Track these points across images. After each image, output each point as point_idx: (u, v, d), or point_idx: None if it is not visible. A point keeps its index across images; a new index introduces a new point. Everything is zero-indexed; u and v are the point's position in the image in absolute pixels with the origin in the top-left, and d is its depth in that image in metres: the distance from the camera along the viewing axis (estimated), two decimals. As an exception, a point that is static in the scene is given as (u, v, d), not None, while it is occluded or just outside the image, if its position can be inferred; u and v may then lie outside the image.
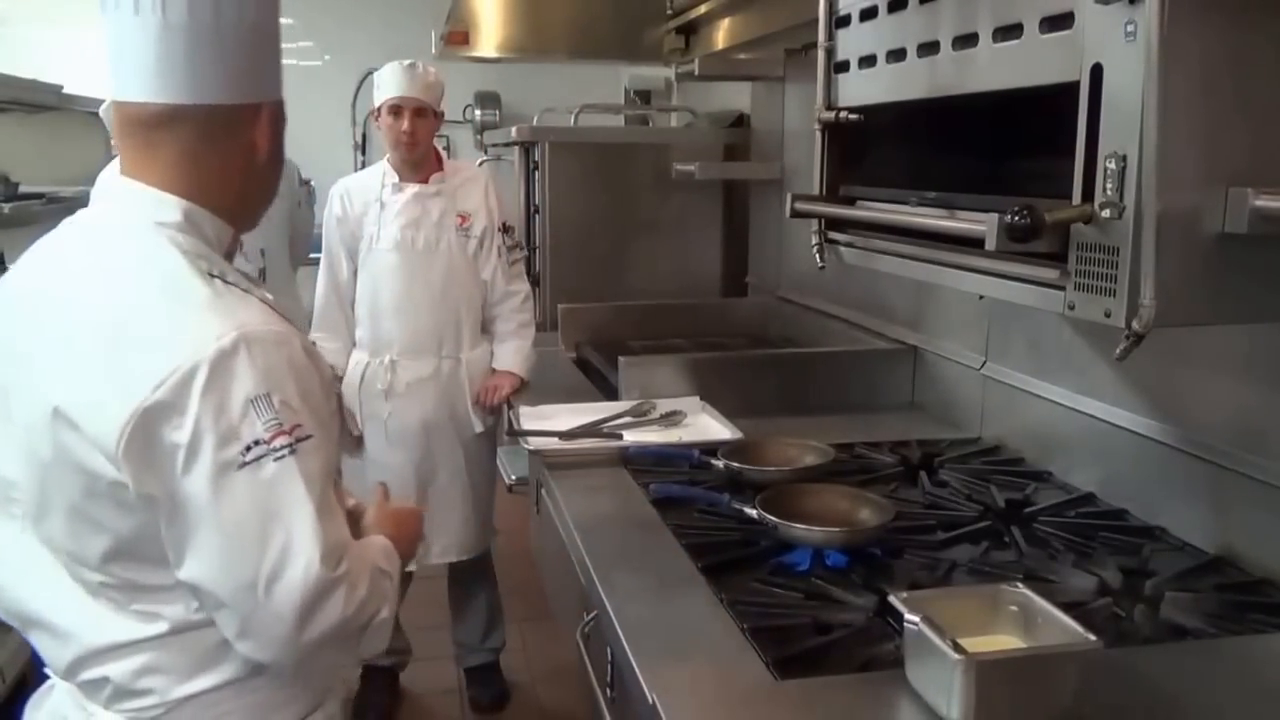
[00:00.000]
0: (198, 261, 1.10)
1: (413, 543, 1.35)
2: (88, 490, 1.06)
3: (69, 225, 1.19)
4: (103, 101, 4.21)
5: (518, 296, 2.85)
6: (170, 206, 1.12)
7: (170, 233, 1.11)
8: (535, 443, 2.12)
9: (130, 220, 1.12)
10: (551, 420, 2.26)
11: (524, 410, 2.36)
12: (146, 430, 1.01)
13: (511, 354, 2.79)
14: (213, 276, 1.09)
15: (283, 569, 1.04)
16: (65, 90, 3.63)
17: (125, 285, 1.08)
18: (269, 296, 1.17)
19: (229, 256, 1.20)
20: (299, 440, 1.05)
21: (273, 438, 1.03)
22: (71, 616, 1.14)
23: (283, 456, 1.04)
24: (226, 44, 1.12)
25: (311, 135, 4.94)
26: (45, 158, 3.82)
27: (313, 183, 4.14)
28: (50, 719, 1.21)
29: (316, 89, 5.44)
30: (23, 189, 3.39)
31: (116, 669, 1.13)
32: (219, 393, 1.02)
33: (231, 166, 1.16)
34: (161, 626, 1.12)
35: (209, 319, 1.04)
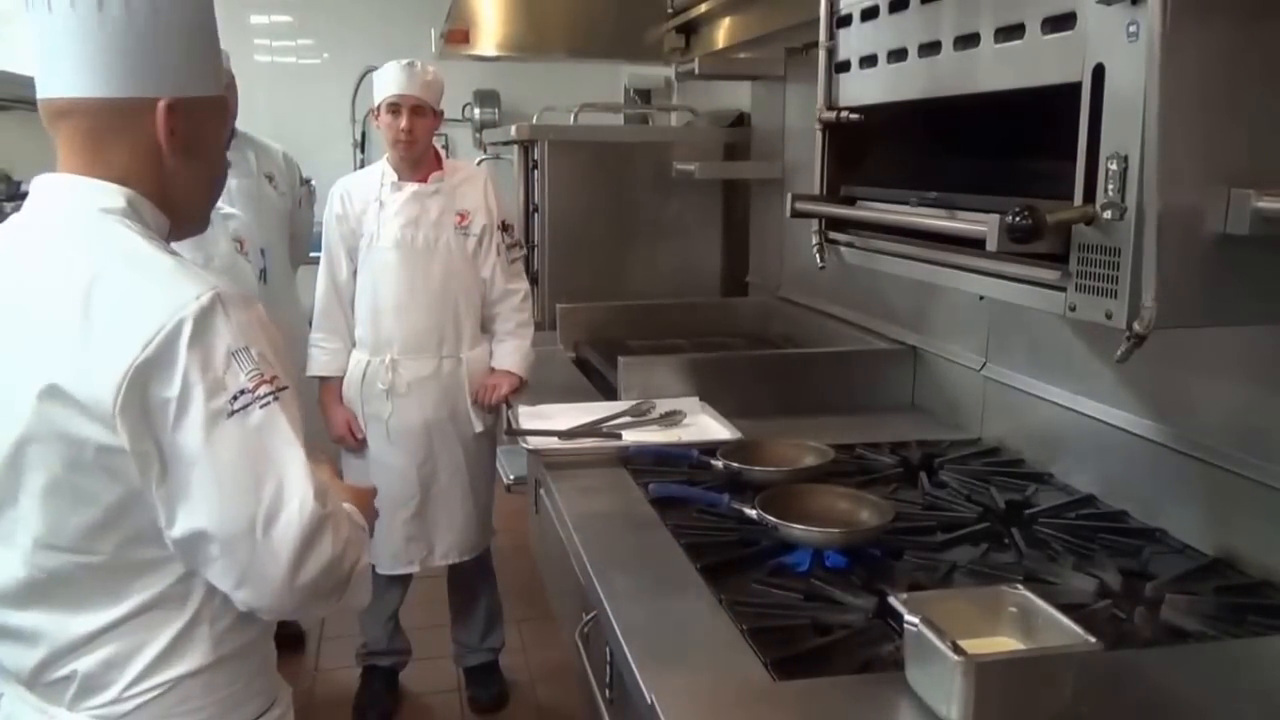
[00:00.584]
0: (152, 238, 1.14)
1: (368, 518, 1.34)
2: (73, 462, 1.07)
3: (8, 225, 1.20)
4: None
5: (517, 295, 2.85)
6: (113, 194, 1.15)
7: (117, 217, 1.13)
8: (534, 442, 2.12)
9: (75, 208, 1.15)
10: (550, 420, 2.26)
11: (523, 410, 2.36)
12: (139, 387, 1.04)
13: (510, 353, 2.79)
14: (171, 253, 1.13)
15: (279, 508, 1.08)
16: (65, 88, 3.62)
17: (87, 262, 1.09)
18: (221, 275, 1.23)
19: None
20: (279, 389, 1.10)
21: (256, 386, 1.08)
22: (37, 615, 1.14)
23: (268, 403, 1.09)
24: (112, 38, 1.12)
25: (311, 134, 4.96)
26: (45, 157, 3.81)
27: (313, 182, 4.13)
28: None
29: (316, 88, 5.44)
30: (24, 188, 3.39)
31: (84, 663, 1.14)
32: (203, 347, 1.06)
33: (141, 159, 1.16)
34: (126, 606, 1.13)
35: (182, 281, 1.08)
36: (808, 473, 1.90)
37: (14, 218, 1.21)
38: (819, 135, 1.71)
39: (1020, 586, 1.27)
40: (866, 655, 1.30)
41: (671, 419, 2.27)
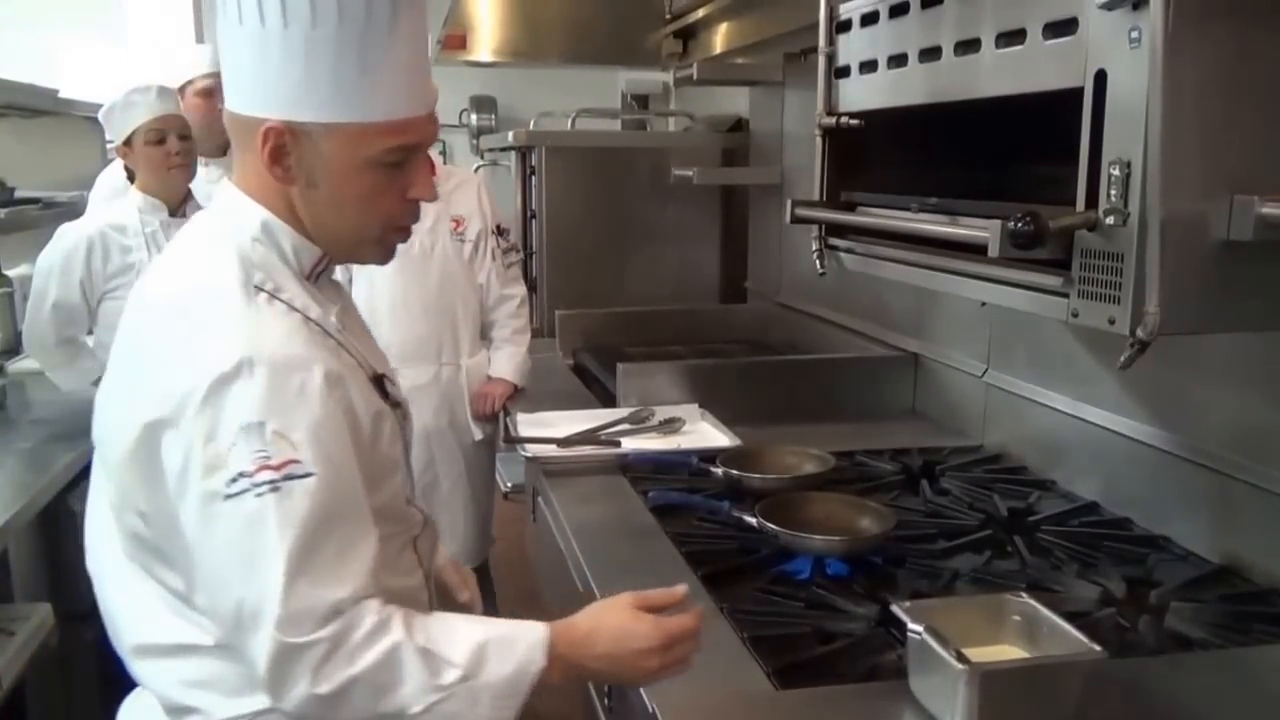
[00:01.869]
0: (253, 273, 1.06)
1: (621, 663, 1.10)
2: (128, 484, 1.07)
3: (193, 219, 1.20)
4: (100, 106, 4.21)
5: (514, 301, 2.84)
6: (252, 215, 1.10)
7: (241, 239, 1.09)
8: (533, 450, 2.11)
9: (213, 224, 1.13)
10: (549, 427, 2.25)
11: (521, 417, 2.35)
12: (149, 447, 1.00)
13: (505, 360, 2.78)
14: (259, 290, 1.05)
15: (252, 625, 0.97)
16: (61, 94, 3.61)
17: (170, 295, 1.08)
18: (331, 320, 1.12)
19: (315, 278, 1.15)
20: (287, 478, 0.97)
21: (256, 470, 0.96)
22: (125, 604, 1.12)
23: (263, 494, 0.96)
24: (236, 47, 1.07)
25: (309, 140, 4.95)
26: (41, 162, 3.81)
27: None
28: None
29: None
30: (18, 194, 3.37)
31: (164, 674, 1.10)
32: (211, 417, 0.97)
33: (263, 179, 1.09)
34: (199, 636, 1.08)
35: (220, 339, 1.00)
36: (808, 480, 1.89)
37: (197, 214, 1.21)
38: (819, 141, 1.70)
39: (1024, 594, 1.27)
40: (869, 664, 1.29)
41: (671, 426, 2.26)
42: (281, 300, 1.06)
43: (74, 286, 2.60)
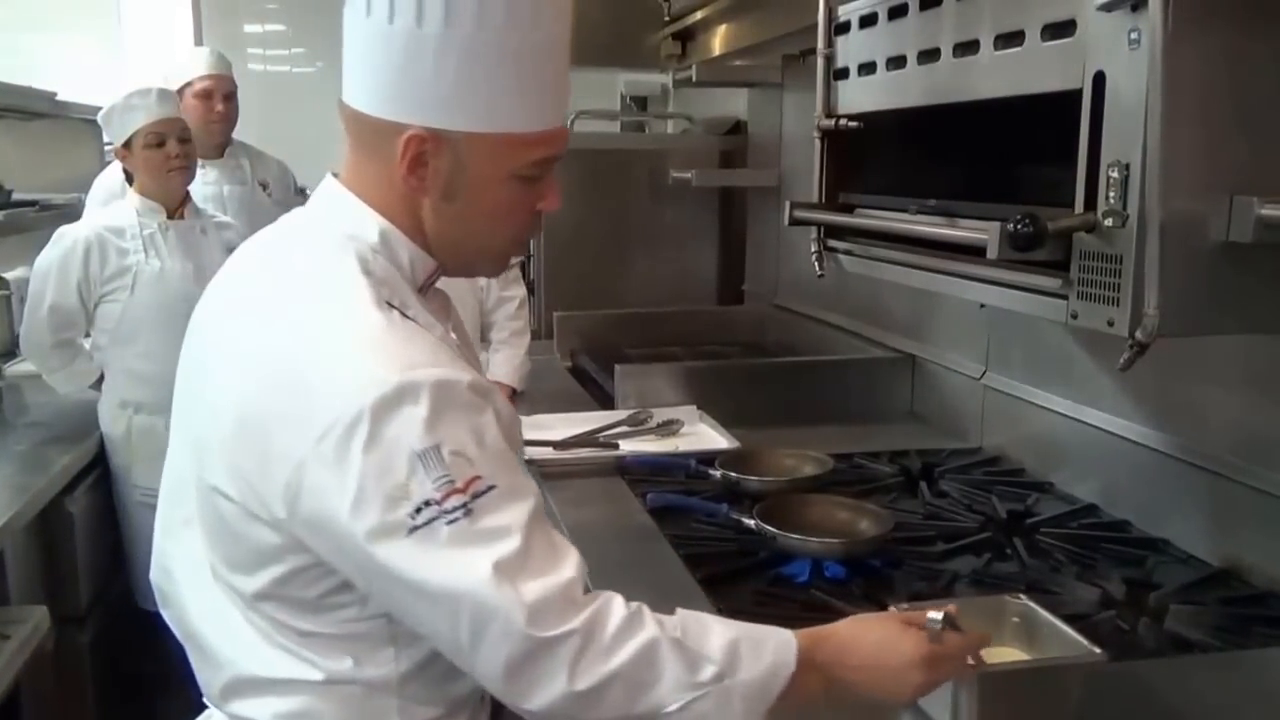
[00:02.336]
0: (379, 288, 1.00)
1: (882, 675, 1.05)
2: (247, 522, 0.99)
3: (282, 221, 1.13)
4: (98, 109, 4.21)
5: (513, 302, 2.83)
6: (368, 223, 1.04)
7: (361, 250, 1.02)
8: (530, 452, 2.10)
9: (327, 225, 1.06)
10: (547, 429, 2.24)
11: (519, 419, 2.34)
12: (309, 487, 0.92)
13: (502, 363, 2.77)
14: (391, 307, 0.99)
15: (481, 634, 0.92)
16: (59, 97, 3.60)
17: (298, 312, 0.99)
18: (452, 336, 1.10)
19: (425, 289, 1.10)
20: (474, 496, 0.92)
21: (444, 498, 0.91)
22: (226, 639, 1.06)
23: (456, 519, 0.91)
24: (374, 48, 1.01)
25: (304, 142, 4.93)
26: (38, 165, 3.80)
27: (308, 190, 4.12)
28: None
29: (309, 96, 5.42)
30: (16, 196, 3.37)
31: (263, 708, 1.04)
32: (383, 447, 0.91)
33: (390, 188, 1.04)
34: (301, 671, 1.02)
35: (375, 360, 0.94)
36: (806, 482, 1.89)
37: (293, 213, 1.14)
38: (817, 142, 1.70)
39: (1023, 596, 1.26)
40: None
41: (669, 428, 2.26)
42: (409, 317, 1.01)
43: (71, 290, 2.59)
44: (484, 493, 0.93)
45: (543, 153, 1.05)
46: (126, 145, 2.65)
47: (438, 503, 0.91)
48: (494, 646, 0.91)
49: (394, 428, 0.91)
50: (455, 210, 1.05)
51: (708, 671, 0.97)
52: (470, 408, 0.96)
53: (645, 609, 0.99)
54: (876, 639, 1.06)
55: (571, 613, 0.93)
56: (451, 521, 0.91)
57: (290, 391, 0.95)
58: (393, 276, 1.04)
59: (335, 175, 1.10)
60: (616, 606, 0.97)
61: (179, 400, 1.13)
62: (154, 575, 1.17)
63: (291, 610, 1.02)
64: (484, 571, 0.90)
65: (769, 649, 1.01)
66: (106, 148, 4.11)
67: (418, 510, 0.90)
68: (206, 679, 1.11)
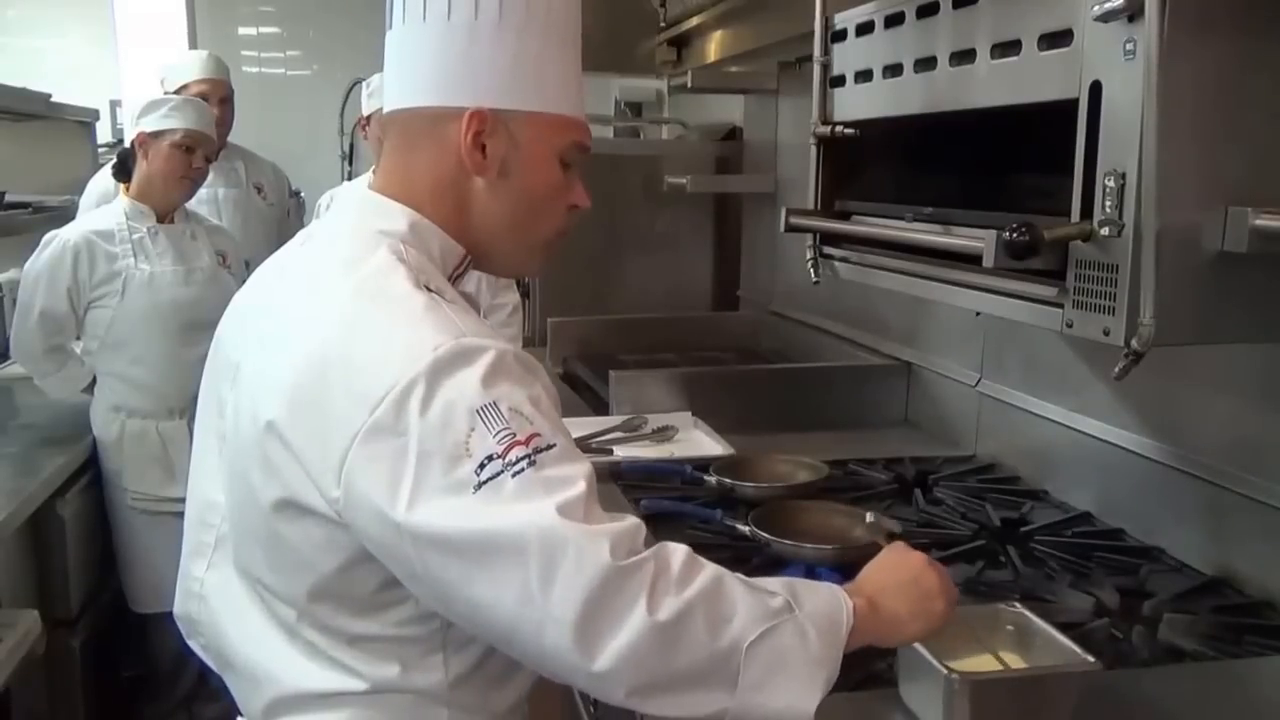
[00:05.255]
0: (416, 274, 1.01)
1: (915, 608, 1.08)
2: (291, 518, 0.98)
3: (299, 236, 1.17)
4: (93, 111, 4.20)
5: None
6: (396, 215, 1.07)
7: (393, 243, 1.05)
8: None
9: (357, 226, 1.09)
10: (542, 435, 2.24)
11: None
12: (365, 464, 0.91)
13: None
14: (429, 290, 1.00)
15: (554, 571, 0.88)
16: (53, 99, 3.60)
17: (339, 296, 1.00)
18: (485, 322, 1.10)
19: (454, 280, 1.12)
20: (536, 450, 0.91)
21: (507, 450, 0.90)
22: (267, 657, 1.05)
23: (521, 470, 0.90)
24: (438, 44, 1.08)
25: (299, 146, 4.94)
26: (32, 167, 3.79)
27: (302, 193, 4.11)
28: None
29: (304, 99, 5.42)
30: (9, 198, 3.36)
31: None
32: (441, 407, 0.90)
33: (440, 176, 1.09)
34: (346, 682, 1.02)
35: (424, 330, 0.94)
36: (801, 489, 1.89)
37: (309, 227, 1.19)
38: (813, 150, 1.70)
39: (1017, 604, 1.26)
40: (860, 673, 1.28)
41: (663, 434, 2.26)
42: (448, 300, 1.02)
43: (61, 295, 2.58)
44: (545, 449, 0.92)
45: (579, 136, 1.14)
46: (154, 136, 2.64)
47: (500, 456, 0.90)
48: (568, 581, 0.88)
49: (450, 389, 0.91)
50: (508, 186, 1.10)
51: (776, 601, 0.97)
52: (522, 377, 0.97)
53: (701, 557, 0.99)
54: (880, 563, 1.13)
55: (638, 546, 0.93)
56: (517, 473, 0.90)
57: (342, 369, 0.94)
58: (425, 264, 1.06)
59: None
60: (677, 547, 0.97)
61: (204, 418, 1.14)
62: (181, 605, 1.16)
63: (344, 612, 1.01)
64: (550, 511, 0.89)
65: (822, 588, 1.04)
66: (101, 150, 4.12)
67: (481, 466, 0.89)
68: (246, 700, 1.10)
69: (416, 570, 0.93)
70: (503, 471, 0.90)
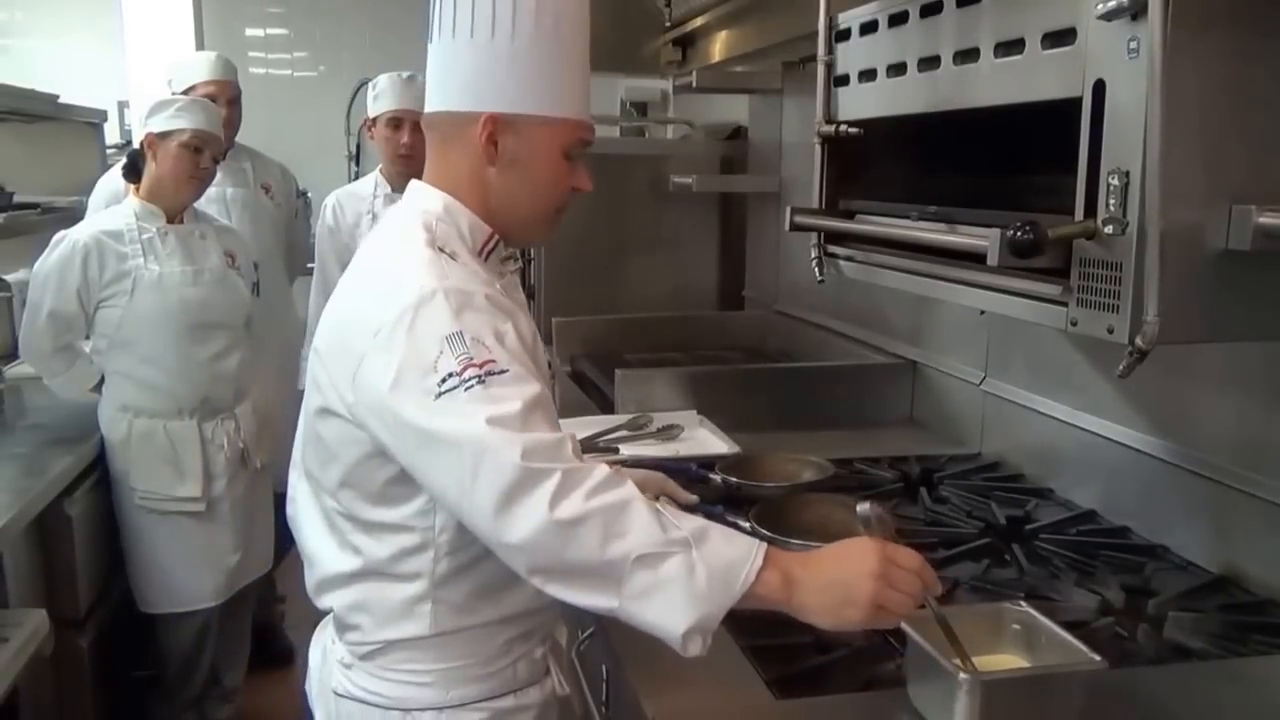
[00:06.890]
0: (434, 239, 1.26)
1: (842, 585, 1.12)
2: (325, 420, 1.25)
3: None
4: (101, 112, 4.22)
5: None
6: (435, 198, 1.32)
7: (427, 218, 1.29)
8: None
9: (406, 207, 1.35)
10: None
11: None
12: (367, 372, 1.17)
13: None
14: (441, 251, 1.24)
15: (478, 470, 1.09)
16: (61, 100, 3.61)
17: (375, 256, 1.32)
18: (496, 288, 1.28)
19: (486, 255, 1.33)
20: (489, 373, 1.13)
21: (463, 369, 1.12)
22: (317, 544, 1.33)
23: (471, 386, 1.12)
24: (452, 61, 1.30)
25: (306, 146, 4.95)
26: (41, 167, 3.80)
27: (309, 194, 4.12)
28: (318, 644, 1.42)
29: (311, 100, 5.44)
30: (17, 199, 3.37)
31: (337, 599, 1.31)
32: (418, 333, 1.15)
33: (467, 167, 1.30)
34: (358, 562, 1.28)
35: (420, 276, 1.19)
36: (807, 487, 1.89)
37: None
38: (818, 149, 1.71)
39: (1023, 603, 1.27)
40: (868, 673, 1.29)
41: (669, 433, 2.26)
42: (460, 263, 1.25)
43: (70, 295, 2.59)
44: (497, 373, 1.14)
45: (579, 134, 1.33)
46: (162, 136, 2.65)
47: (458, 374, 1.13)
48: (488, 479, 1.09)
49: (428, 320, 1.16)
50: (516, 173, 1.31)
51: (677, 534, 1.11)
52: (493, 314, 1.20)
53: (629, 480, 1.15)
54: (835, 550, 1.17)
55: (559, 459, 1.11)
56: (469, 388, 1.12)
57: (361, 303, 1.25)
58: (450, 236, 1.29)
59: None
60: (602, 468, 1.14)
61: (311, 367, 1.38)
62: (289, 509, 1.42)
63: (362, 499, 1.26)
64: (480, 421, 1.11)
65: (740, 541, 1.14)
66: (109, 150, 4.13)
67: (443, 380, 1.13)
68: (309, 580, 1.37)
69: (400, 449, 1.18)
70: (457, 386, 1.12)
